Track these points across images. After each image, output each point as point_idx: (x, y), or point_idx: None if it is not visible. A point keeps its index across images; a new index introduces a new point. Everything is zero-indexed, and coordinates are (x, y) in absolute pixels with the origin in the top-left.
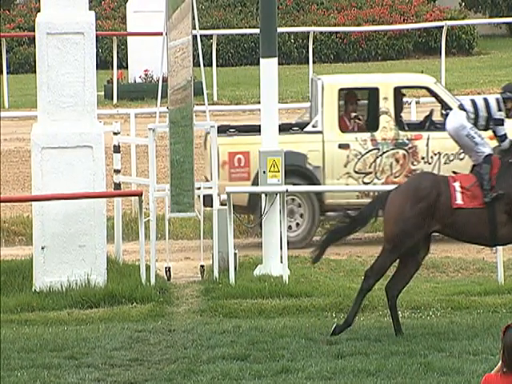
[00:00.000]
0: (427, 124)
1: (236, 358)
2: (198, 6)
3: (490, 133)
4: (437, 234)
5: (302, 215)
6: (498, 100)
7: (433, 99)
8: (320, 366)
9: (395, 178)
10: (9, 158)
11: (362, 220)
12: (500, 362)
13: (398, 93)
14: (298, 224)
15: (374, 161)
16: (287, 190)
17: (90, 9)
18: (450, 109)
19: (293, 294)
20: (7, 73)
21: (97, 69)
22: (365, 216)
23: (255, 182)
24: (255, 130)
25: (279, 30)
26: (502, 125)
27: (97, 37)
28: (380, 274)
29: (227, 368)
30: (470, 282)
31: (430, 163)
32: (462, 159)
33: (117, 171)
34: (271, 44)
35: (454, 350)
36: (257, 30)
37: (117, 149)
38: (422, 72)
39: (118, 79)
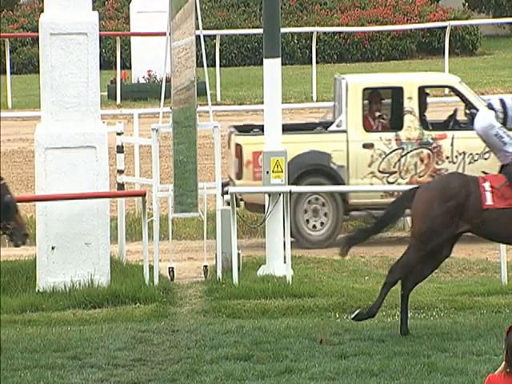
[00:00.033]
0: (451, 123)
1: (239, 358)
2: (201, 7)
3: None
4: None
5: (326, 214)
6: None
7: (457, 98)
8: (323, 367)
9: (420, 177)
10: (12, 158)
11: (390, 220)
12: (503, 362)
13: (423, 92)
14: (322, 223)
15: (399, 160)
16: (291, 191)
17: (93, 9)
18: (475, 108)
19: (296, 295)
20: (11, 73)
21: (100, 69)
22: (392, 215)
23: None
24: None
25: (282, 30)
26: None
27: (100, 37)
28: (405, 269)
29: (230, 368)
30: (473, 283)
31: (454, 163)
32: (486, 159)
33: (120, 171)
34: (274, 44)
35: (458, 351)
36: (260, 31)
37: (120, 149)
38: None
39: (121, 79)
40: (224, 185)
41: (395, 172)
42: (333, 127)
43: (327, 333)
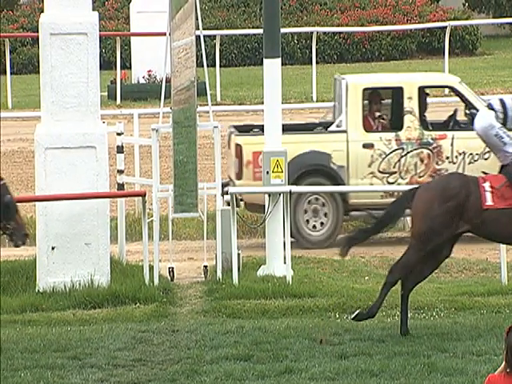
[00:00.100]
0: (451, 123)
1: (239, 358)
2: (201, 7)
3: None
4: None
5: (326, 214)
6: None
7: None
8: (323, 367)
9: (420, 177)
10: (12, 158)
11: (390, 220)
12: (503, 362)
13: (423, 92)
14: (322, 223)
15: (399, 160)
16: (291, 191)
17: (93, 9)
18: (475, 108)
19: (296, 295)
20: (11, 73)
21: (100, 69)
22: (392, 215)
23: None
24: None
25: (282, 30)
26: None
27: (100, 37)
28: (405, 269)
29: (230, 368)
30: (473, 283)
31: (454, 163)
32: (486, 159)
33: (120, 171)
34: (274, 44)
35: (458, 351)
36: (260, 31)
37: (120, 149)
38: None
39: (121, 80)
40: (224, 185)
41: (395, 172)
42: (333, 127)
43: (327, 333)
